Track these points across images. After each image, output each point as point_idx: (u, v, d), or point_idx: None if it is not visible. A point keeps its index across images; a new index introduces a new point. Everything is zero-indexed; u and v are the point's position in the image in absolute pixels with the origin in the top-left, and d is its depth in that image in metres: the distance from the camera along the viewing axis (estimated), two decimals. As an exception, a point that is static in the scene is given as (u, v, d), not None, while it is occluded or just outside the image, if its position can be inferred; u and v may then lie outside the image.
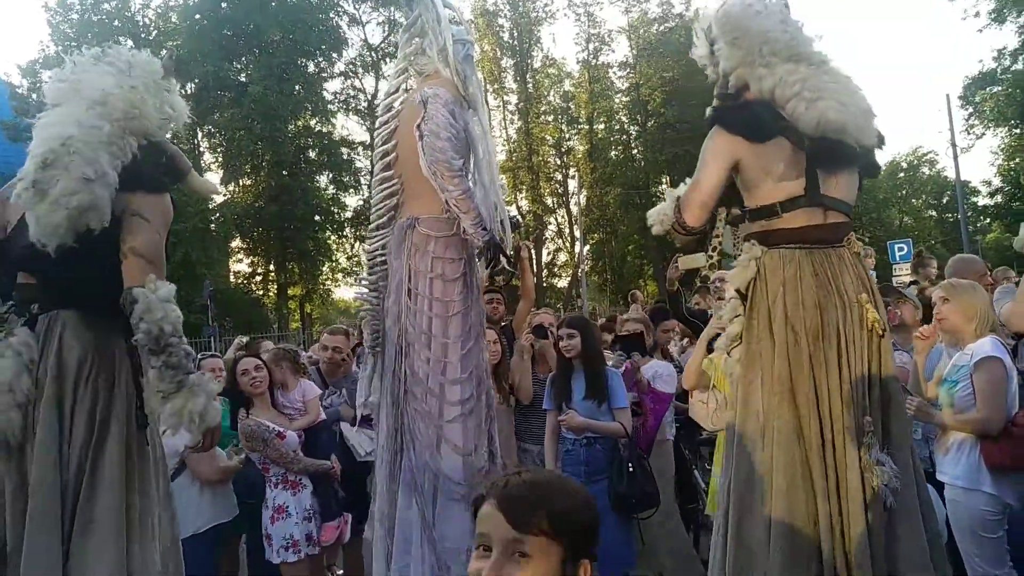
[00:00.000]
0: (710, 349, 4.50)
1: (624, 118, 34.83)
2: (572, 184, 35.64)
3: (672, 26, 32.50)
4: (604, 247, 35.46)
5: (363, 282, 3.46)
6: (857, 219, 35.64)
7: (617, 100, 34.73)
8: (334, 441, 4.74)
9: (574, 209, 34.78)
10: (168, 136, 2.98)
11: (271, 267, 31.56)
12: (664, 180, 34.08)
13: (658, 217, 2.96)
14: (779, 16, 2.81)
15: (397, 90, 3.45)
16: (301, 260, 30.83)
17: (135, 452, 2.65)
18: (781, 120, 2.67)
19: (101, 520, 2.50)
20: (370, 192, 3.62)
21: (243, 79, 29.36)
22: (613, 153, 34.92)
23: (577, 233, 33.70)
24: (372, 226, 3.41)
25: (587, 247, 34.64)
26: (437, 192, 3.09)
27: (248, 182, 30.83)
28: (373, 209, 3.40)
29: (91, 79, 2.74)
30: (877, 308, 2.68)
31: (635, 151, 33.99)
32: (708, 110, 2.98)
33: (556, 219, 37.13)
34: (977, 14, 29.07)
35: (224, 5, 29.24)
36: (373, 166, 3.52)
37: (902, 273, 12.40)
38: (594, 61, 34.49)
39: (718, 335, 4.52)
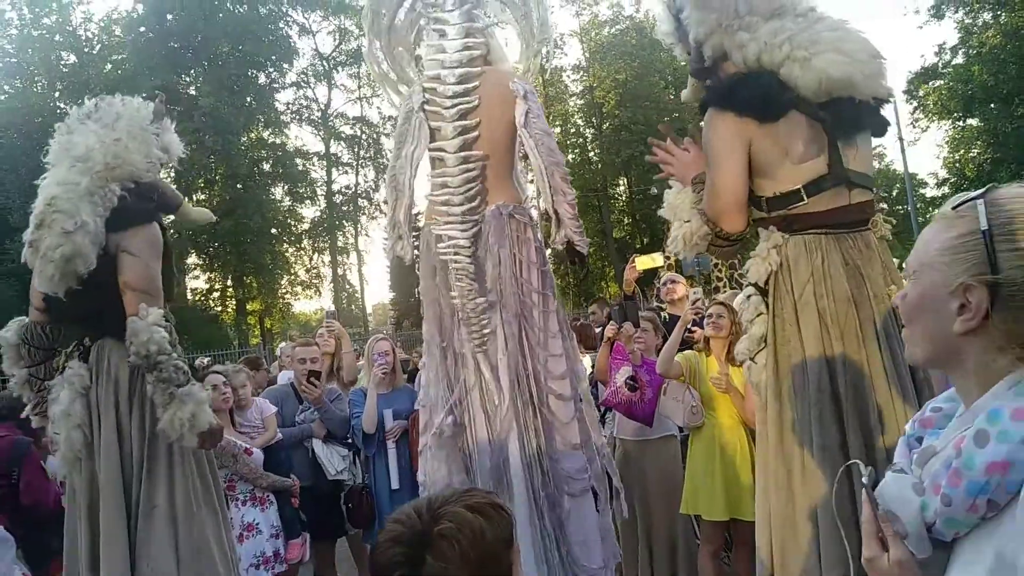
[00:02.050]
0: (686, 342, 4.50)
1: (579, 121, 35.04)
2: (531, 188, 35.70)
3: (623, 28, 32.79)
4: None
5: (459, 270, 3.08)
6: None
7: (572, 103, 34.94)
8: (297, 459, 4.68)
9: (534, 213, 34.82)
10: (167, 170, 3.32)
11: (228, 282, 31.04)
12: (621, 182, 34.41)
13: (687, 240, 2.53)
14: None
15: (470, 61, 3.13)
16: (259, 274, 30.36)
17: (176, 451, 3.02)
18: (788, 91, 2.32)
19: (160, 506, 2.94)
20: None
21: (193, 92, 28.85)
22: (570, 156, 35.07)
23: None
24: (454, 208, 3.08)
25: (548, 250, 34.71)
26: (515, 184, 3.10)
27: (202, 196, 30.27)
28: (447, 191, 3.09)
29: (77, 138, 3.07)
30: None
31: (591, 153, 34.19)
32: (686, 92, 2.66)
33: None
34: (917, 11, 29.91)
35: (170, 17, 28.70)
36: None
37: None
38: (547, 65, 34.67)
39: (696, 321, 4.51)
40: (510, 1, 3.34)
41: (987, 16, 28.56)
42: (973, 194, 1.09)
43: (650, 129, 24.81)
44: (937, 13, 29.76)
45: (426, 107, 3.14)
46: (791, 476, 2.27)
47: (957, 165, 29.96)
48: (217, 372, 4.41)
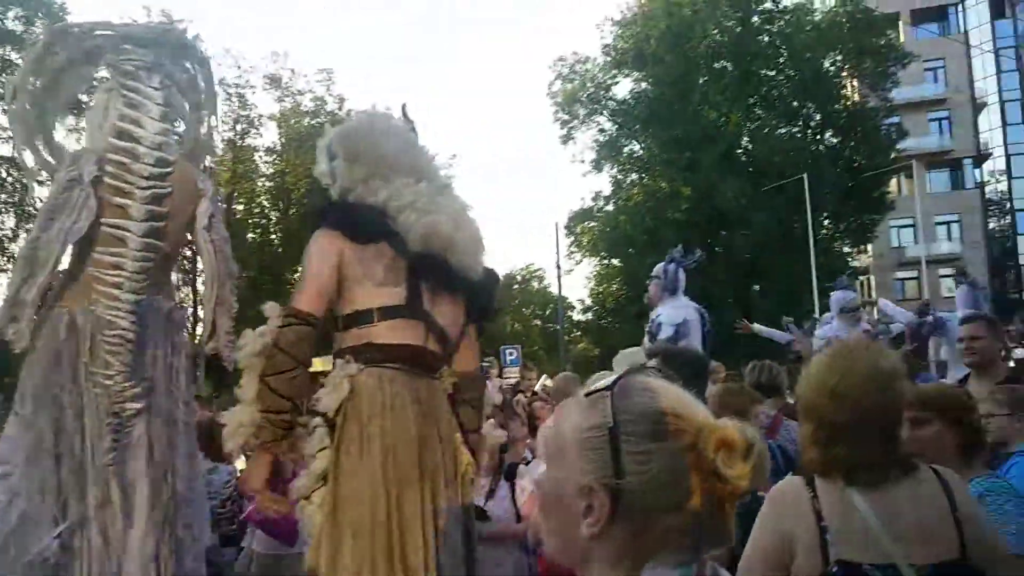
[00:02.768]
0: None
1: (266, 202, 34.19)
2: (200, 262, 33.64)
3: (323, 121, 33.12)
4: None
5: (121, 363, 2.69)
6: (478, 324, 39.13)
7: (260, 184, 34.06)
8: None
9: (201, 288, 32.73)
10: None
11: None
12: (298, 270, 33.83)
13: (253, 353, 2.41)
14: (404, 137, 2.73)
15: (169, 146, 2.88)
16: None
17: None
18: (388, 226, 2.49)
19: None
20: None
21: None
22: (250, 235, 33.90)
23: (200, 313, 31.66)
24: (125, 295, 2.72)
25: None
26: (171, 283, 2.98)
27: None
28: (120, 274, 2.74)
29: None
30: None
31: (274, 236, 33.37)
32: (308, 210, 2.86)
33: (181, 296, 34.56)
34: (583, 161, 34.50)
35: None
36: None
37: (510, 376, 13.70)
38: (240, 142, 33.59)
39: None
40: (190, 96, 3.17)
41: (634, 176, 33.89)
42: (607, 381, 1.01)
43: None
44: (597, 166, 34.60)
45: (105, 180, 2.79)
46: None
47: (600, 296, 34.33)
48: None
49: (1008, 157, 39.04)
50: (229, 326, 3.00)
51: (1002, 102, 38.99)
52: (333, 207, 2.64)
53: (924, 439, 2.25)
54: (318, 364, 5.33)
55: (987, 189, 39.88)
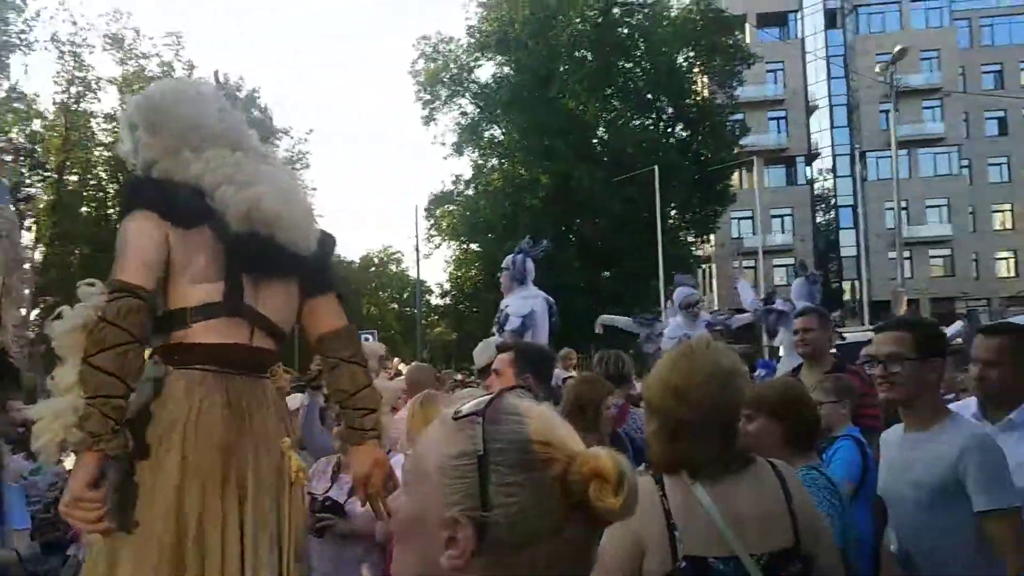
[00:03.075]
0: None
1: (103, 174, 31.75)
2: (27, 236, 30.87)
3: (168, 89, 31.13)
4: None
5: None
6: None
7: (97, 153, 31.56)
8: None
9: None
10: None
11: None
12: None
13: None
14: (217, 104, 2.39)
15: None
16: None
17: None
18: (207, 205, 2.17)
19: None
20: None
21: None
22: (85, 209, 31.42)
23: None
24: None
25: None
26: None
27: None
28: None
29: None
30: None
31: (111, 210, 31.11)
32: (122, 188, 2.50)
33: None
34: (444, 143, 34.42)
35: None
36: None
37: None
38: (75, 106, 30.95)
39: None
40: None
41: (494, 161, 34.14)
42: (475, 404, 0.94)
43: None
44: (458, 149, 34.59)
45: None
46: None
47: (459, 281, 34.44)
48: None
49: (834, 157, 42.48)
50: (19, 318, 2.76)
51: (831, 106, 42.30)
52: (147, 184, 2.24)
53: (752, 433, 2.40)
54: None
55: (816, 186, 43.23)
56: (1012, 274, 41.06)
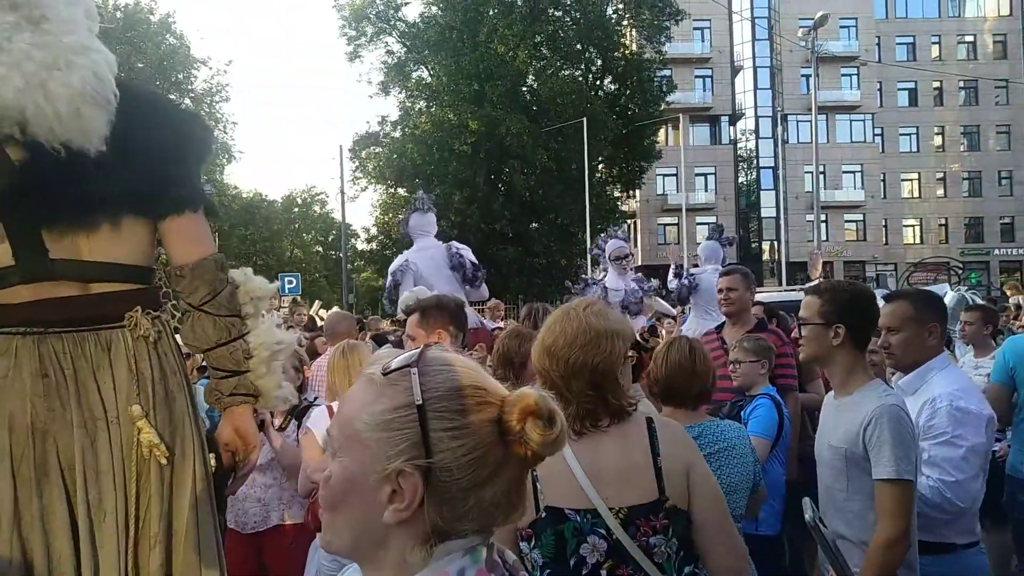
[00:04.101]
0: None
1: None
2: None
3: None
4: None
5: None
6: (252, 246, 37.28)
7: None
8: None
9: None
10: None
11: None
12: None
13: None
14: None
15: None
16: None
17: None
18: None
19: None
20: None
21: None
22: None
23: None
24: None
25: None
26: None
27: None
28: None
29: None
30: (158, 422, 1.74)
31: None
32: None
33: None
34: (370, 81, 33.47)
35: None
36: None
37: (284, 305, 13.14)
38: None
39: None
40: None
41: (422, 104, 33.47)
42: (405, 358, 0.96)
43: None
44: (384, 89, 33.74)
45: None
46: None
47: (386, 226, 33.95)
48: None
49: (757, 119, 43.30)
50: None
51: (755, 68, 42.90)
52: None
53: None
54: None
55: (739, 147, 44.09)
56: (917, 241, 43.19)
